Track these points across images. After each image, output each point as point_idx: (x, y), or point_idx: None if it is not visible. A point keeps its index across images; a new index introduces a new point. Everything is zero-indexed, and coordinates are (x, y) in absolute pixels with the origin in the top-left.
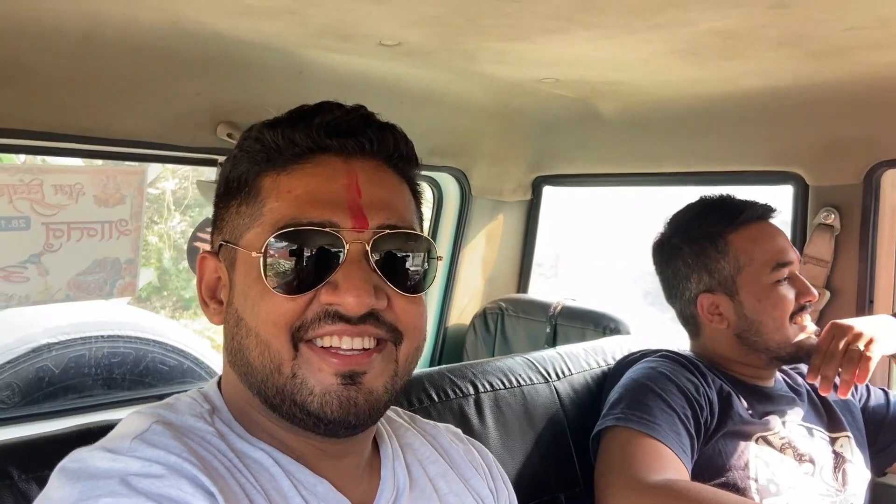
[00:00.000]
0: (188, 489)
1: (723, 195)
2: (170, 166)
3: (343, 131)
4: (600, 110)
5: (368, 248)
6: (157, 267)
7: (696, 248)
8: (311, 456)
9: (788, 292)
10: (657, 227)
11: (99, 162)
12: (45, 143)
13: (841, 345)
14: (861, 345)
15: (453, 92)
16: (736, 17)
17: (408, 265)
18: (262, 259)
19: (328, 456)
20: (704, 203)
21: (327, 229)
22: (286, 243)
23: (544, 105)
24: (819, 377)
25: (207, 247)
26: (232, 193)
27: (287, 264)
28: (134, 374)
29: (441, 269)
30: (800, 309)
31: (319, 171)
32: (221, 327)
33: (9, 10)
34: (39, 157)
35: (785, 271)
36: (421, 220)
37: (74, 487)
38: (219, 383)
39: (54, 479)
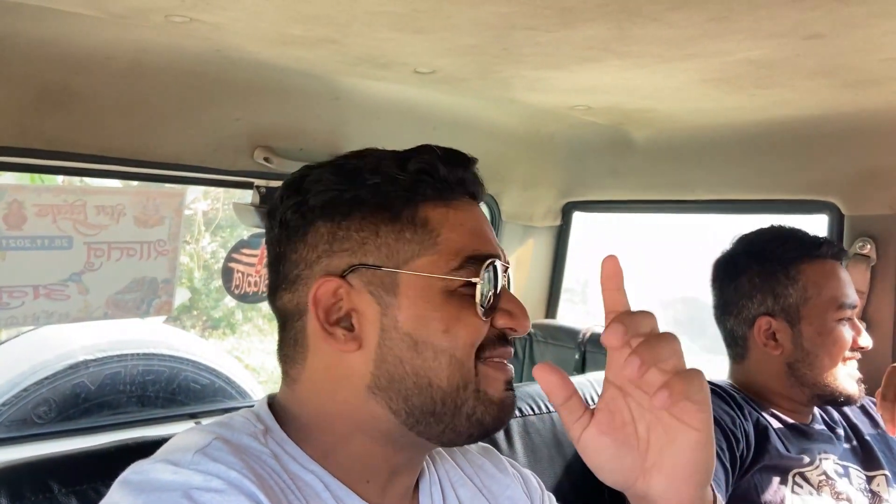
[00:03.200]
0: None
1: (795, 227)
2: (202, 188)
3: (476, 180)
4: (632, 137)
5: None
6: (189, 286)
7: (767, 270)
8: (373, 474)
9: (848, 333)
10: (723, 247)
11: (135, 183)
12: (91, 165)
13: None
14: None
15: (485, 118)
16: (770, 48)
17: None
18: (479, 285)
19: (388, 474)
20: (781, 230)
21: (499, 262)
22: (479, 270)
23: (576, 131)
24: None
25: (242, 268)
26: (374, 218)
27: (482, 290)
28: (167, 392)
29: None
30: (851, 353)
31: (469, 210)
32: (250, 347)
33: (61, 39)
34: (78, 179)
35: (848, 313)
36: None
37: (138, 498)
38: (269, 405)
39: (116, 491)
